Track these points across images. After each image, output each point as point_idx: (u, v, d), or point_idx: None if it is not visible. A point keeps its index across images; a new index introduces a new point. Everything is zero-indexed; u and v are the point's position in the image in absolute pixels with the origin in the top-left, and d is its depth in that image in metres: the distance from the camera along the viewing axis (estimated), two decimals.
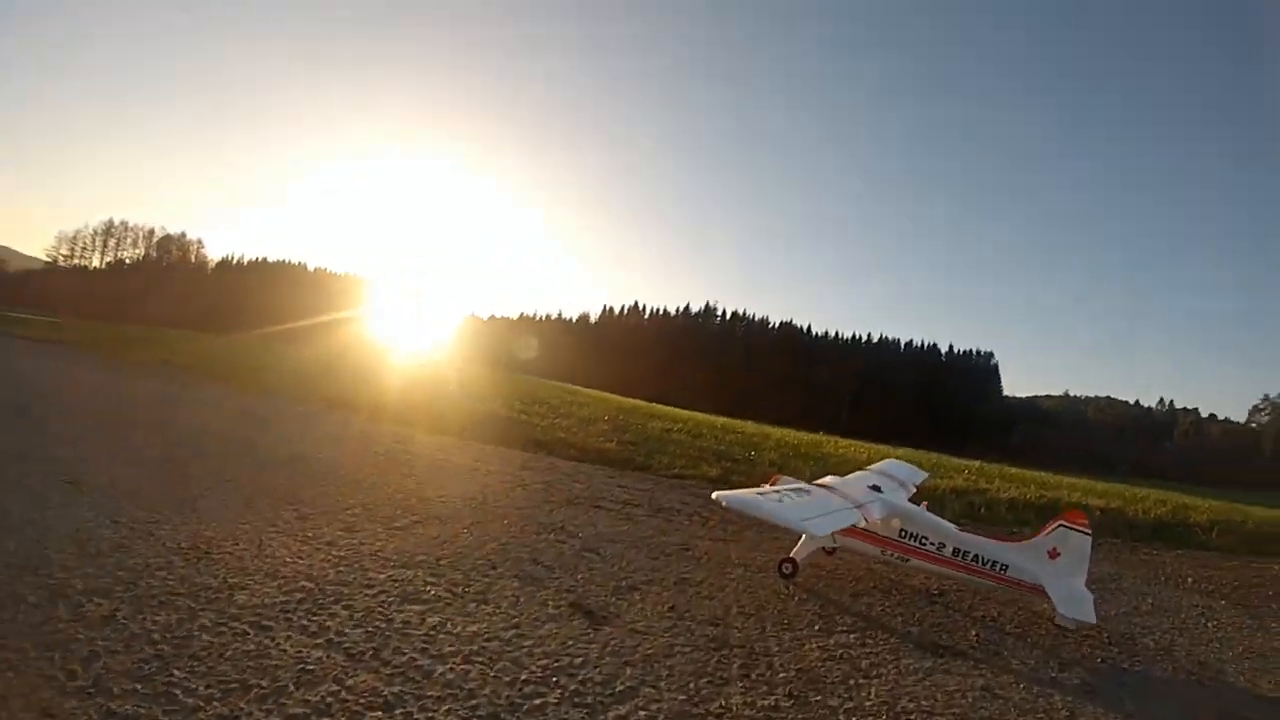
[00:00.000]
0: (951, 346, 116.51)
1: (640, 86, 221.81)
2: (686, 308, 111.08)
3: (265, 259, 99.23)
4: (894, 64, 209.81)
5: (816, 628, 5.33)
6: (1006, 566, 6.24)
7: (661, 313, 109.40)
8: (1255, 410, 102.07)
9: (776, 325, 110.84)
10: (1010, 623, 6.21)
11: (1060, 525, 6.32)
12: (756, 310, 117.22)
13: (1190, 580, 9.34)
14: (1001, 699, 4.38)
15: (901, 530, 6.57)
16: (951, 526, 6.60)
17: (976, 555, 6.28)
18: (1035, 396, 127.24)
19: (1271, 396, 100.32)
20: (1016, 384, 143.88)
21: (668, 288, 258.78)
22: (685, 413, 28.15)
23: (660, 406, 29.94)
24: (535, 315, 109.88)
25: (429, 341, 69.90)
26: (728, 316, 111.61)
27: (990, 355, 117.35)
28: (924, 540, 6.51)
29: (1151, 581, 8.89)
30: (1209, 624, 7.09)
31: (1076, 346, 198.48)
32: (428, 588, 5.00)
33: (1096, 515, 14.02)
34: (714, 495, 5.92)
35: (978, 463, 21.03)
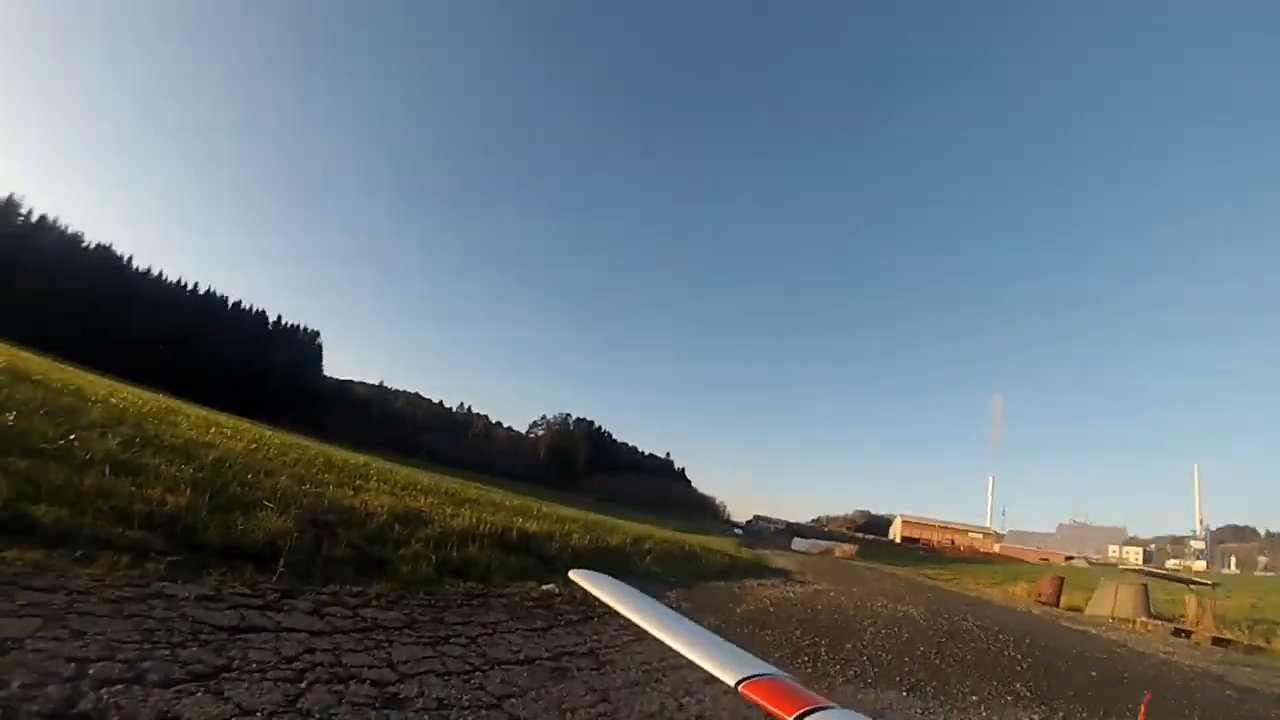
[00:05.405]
0: (280, 318, 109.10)
1: None
2: None
3: None
4: None
5: None
6: None
7: None
8: (533, 425, 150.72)
9: (93, 246, 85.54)
10: None
11: None
12: (72, 223, 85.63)
13: None
14: None
15: None
16: None
17: None
18: (352, 381, 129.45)
19: (549, 417, 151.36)
20: (335, 366, 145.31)
21: None
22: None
23: None
24: None
25: None
26: (33, 219, 79.13)
27: (316, 334, 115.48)
28: None
29: None
30: None
31: (389, 345, 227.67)
32: None
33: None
34: None
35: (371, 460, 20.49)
